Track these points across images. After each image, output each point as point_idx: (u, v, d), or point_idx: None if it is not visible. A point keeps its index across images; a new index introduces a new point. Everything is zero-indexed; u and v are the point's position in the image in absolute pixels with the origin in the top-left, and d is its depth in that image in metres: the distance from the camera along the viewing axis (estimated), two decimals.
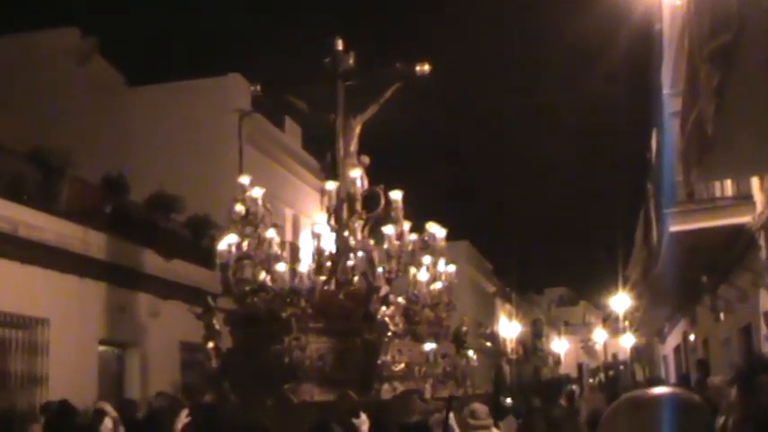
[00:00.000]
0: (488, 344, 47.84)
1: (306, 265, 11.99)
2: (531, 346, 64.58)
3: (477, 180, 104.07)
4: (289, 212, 25.68)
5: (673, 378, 28.22)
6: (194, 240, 19.48)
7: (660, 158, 17.54)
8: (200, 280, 19.12)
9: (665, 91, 15.96)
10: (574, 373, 67.63)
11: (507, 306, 57.03)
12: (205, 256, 19.95)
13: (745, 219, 13.21)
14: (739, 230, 13.43)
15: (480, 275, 49.11)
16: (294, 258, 23.57)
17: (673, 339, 29.85)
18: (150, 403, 13.92)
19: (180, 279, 18.13)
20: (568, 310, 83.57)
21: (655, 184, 20.13)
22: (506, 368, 53.26)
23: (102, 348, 16.07)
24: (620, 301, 46.09)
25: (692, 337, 23.35)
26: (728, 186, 14.56)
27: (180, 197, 18.57)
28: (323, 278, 12.27)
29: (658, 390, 2.26)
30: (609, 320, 76.17)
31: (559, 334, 77.67)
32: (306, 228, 26.54)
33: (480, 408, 8.35)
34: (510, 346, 55.72)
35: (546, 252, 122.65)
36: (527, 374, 59.23)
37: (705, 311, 18.75)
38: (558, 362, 74.53)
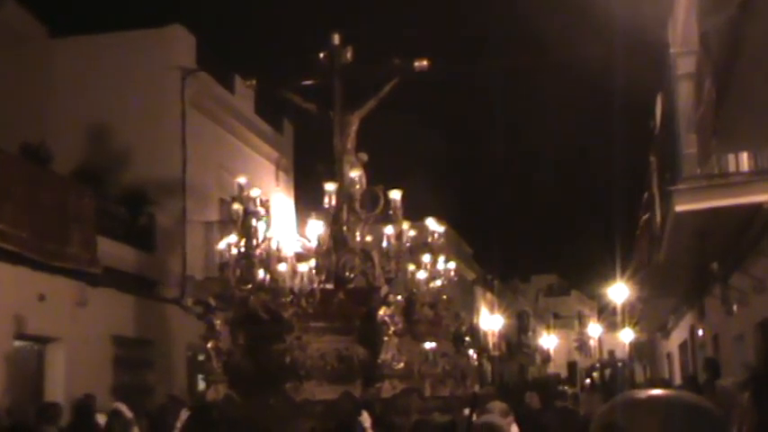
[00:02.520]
0: (467, 339, 47.98)
1: (306, 265, 13.19)
2: (516, 342, 64.88)
3: (454, 153, 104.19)
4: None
5: (678, 379, 28.44)
6: (129, 218, 19.32)
7: (666, 127, 17.56)
8: (137, 264, 19.01)
9: (673, 50, 15.95)
10: (564, 373, 68.17)
11: (488, 296, 57.20)
12: (142, 236, 19.84)
13: (762, 197, 13.25)
14: (756, 210, 13.48)
15: (458, 260, 49.22)
16: (247, 241, 23.66)
17: (678, 335, 30.06)
18: (75, 407, 13.86)
19: (112, 263, 17.98)
20: (558, 301, 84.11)
21: (659, 156, 20.18)
22: (487, 366, 53.50)
23: (18, 344, 15.90)
24: (618, 292, 46.34)
25: (700, 333, 23.49)
26: (744, 159, 14.59)
27: (112, 168, 18.41)
28: (322, 278, 13.54)
29: (660, 391, 2.19)
30: (605, 313, 76.75)
31: (548, 328, 78.16)
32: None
33: (499, 405, 9.38)
34: (491, 341, 55.94)
35: (533, 234, 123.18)
36: (511, 374, 59.55)
37: (715, 303, 18.83)
38: (546, 360, 75.06)
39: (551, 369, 71.14)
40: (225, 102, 24.86)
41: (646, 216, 26.35)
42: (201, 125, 22.87)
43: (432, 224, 15.08)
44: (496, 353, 55.95)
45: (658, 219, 20.25)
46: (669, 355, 34.70)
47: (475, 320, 53.55)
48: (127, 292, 18.72)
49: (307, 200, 22.21)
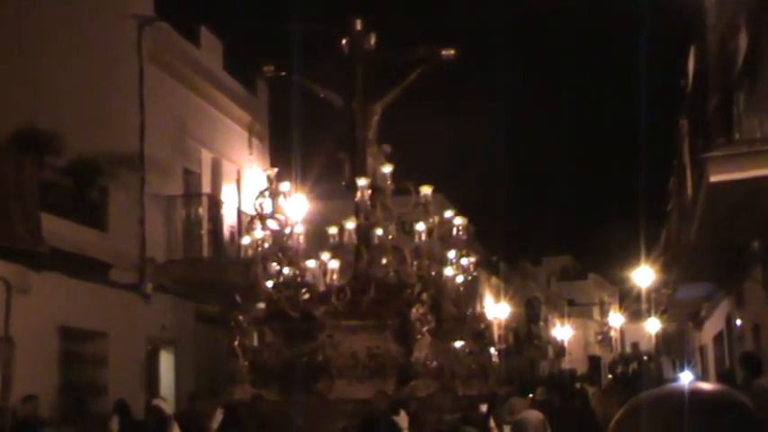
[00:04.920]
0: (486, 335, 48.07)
1: (336, 262, 14.52)
2: (526, 333, 64.97)
3: (454, 116, 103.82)
4: (206, 155, 25.53)
5: (712, 376, 28.50)
6: (78, 192, 19.19)
7: (699, 85, 17.48)
8: (88, 245, 18.89)
9: None
10: (581, 369, 68.31)
11: (494, 280, 57.24)
12: (93, 213, 19.72)
13: None
14: None
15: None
16: (215, 215, 23.63)
17: (712, 325, 30.09)
18: (15, 412, 13.85)
19: (59, 244, 17.84)
20: (574, 287, 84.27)
21: (690, 119, 20.10)
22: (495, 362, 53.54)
23: None
24: (643, 275, 46.41)
25: (738, 323, 23.50)
26: None
27: (58, 134, 18.26)
28: (352, 276, 14.94)
29: (692, 385, 2.10)
30: (627, 300, 76.96)
31: (562, 317, 78.29)
32: (230, 175, 26.41)
33: (518, 402, 10.96)
34: (497, 332, 55.99)
35: (545, 210, 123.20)
36: (520, 370, 59.66)
37: (756, 288, 18.82)
38: (560, 353, 75.17)
39: (566, 364, 71.18)
40: (189, 57, 24.71)
41: (675, 188, 26.31)
42: (162, 84, 22.71)
43: (457, 220, 16.54)
44: (503, 346, 55.97)
45: (690, 191, 20.20)
46: (702, 349, 34.75)
47: (478, 308, 53.58)
48: (76, 276, 18.58)
49: (284, 171, 22.14)
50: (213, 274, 22.72)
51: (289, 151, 32.14)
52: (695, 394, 2.04)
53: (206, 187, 25.14)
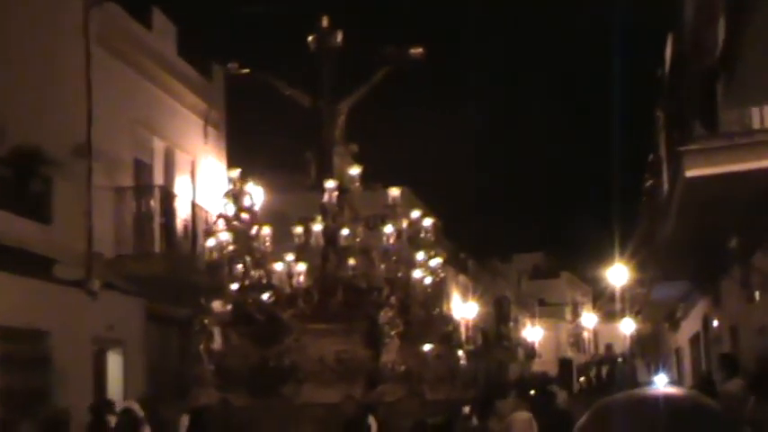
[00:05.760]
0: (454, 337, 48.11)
1: (303, 265, 15.10)
2: (495, 334, 65.09)
3: (421, 105, 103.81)
4: (159, 145, 25.36)
5: (689, 379, 28.61)
6: (19, 183, 19.02)
7: (676, 75, 17.47)
8: (29, 239, 18.71)
9: None
10: (553, 372, 68.47)
11: (461, 278, 57.27)
12: (36, 205, 19.54)
13: None
14: None
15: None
16: (168, 208, 23.45)
17: (689, 326, 30.23)
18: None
19: None
20: (545, 285, 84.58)
21: (667, 111, 20.12)
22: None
23: None
24: (617, 274, 46.60)
25: (715, 323, 23.60)
26: None
27: None
28: (319, 279, 15.46)
29: (659, 390, 2.08)
30: (601, 300, 77.29)
31: (533, 317, 78.53)
32: (184, 166, 26.24)
33: (504, 404, 11.26)
34: (465, 333, 56.05)
35: (515, 205, 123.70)
36: (488, 372, 59.76)
37: (734, 288, 18.88)
38: (531, 355, 75.41)
39: (537, 366, 71.39)
40: (140, 40, 24.52)
41: (650, 183, 26.38)
42: (111, 69, 22.51)
43: (426, 220, 17.03)
44: (471, 347, 56.05)
45: (666, 186, 20.22)
46: (678, 351, 34.98)
47: (445, 308, 53.59)
48: (16, 272, 18.39)
49: (241, 162, 21.99)
50: (165, 271, 22.55)
51: (246, 141, 32.15)
52: (666, 401, 2.01)
53: (158, 178, 24.95)
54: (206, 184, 27.21)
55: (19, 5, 21.60)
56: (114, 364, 22.64)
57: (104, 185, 21.90)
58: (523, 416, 16.33)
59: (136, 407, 16.75)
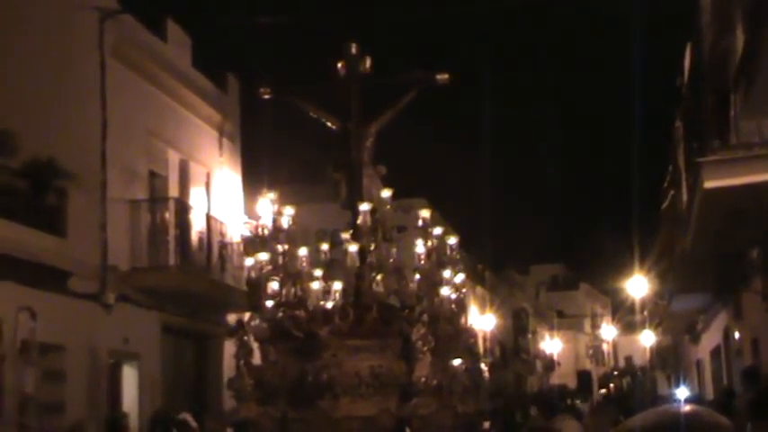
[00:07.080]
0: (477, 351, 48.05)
1: (339, 283, 15.18)
2: (512, 346, 65.01)
3: (439, 116, 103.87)
4: (174, 156, 25.39)
5: (710, 392, 28.52)
6: (34, 195, 19.11)
7: (694, 85, 17.47)
8: (44, 252, 18.79)
9: None
10: (572, 384, 68.30)
11: (479, 290, 57.23)
12: (50, 217, 19.63)
13: None
14: None
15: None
16: (182, 220, 23.52)
17: (709, 338, 30.16)
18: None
19: (12, 250, 17.75)
20: (564, 297, 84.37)
21: (686, 121, 20.13)
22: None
23: None
24: (637, 286, 46.53)
25: (736, 336, 23.55)
26: None
27: (11, 133, 18.18)
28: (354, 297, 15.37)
29: (676, 410, 2.10)
30: (620, 311, 77.04)
31: (552, 329, 78.36)
32: (199, 178, 26.31)
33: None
34: (483, 345, 56.02)
35: (533, 216, 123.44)
36: (506, 385, 59.68)
37: (755, 300, 18.85)
38: (550, 367, 75.23)
39: (556, 379, 71.21)
40: (155, 52, 24.59)
41: (670, 194, 26.38)
42: (125, 80, 22.58)
43: (451, 239, 17.48)
44: (488, 359, 56.03)
45: (685, 197, 20.23)
46: (699, 363, 34.84)
47: (462, 320, 53.45)
48: (31, 285, 18.47)
49: (257, 174, 22.02)
50: (180, 284, 22.61)
51: (262, 152, 32.18)
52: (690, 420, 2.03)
53: (173, 191, 24.99)
54: (221, 196, 27.28)
55: (33, 18, 21.69)
56: (129, 377, 22.67)
57: (119, 198, 21.97)
58: (572, 424, 17.04)
59: (190, 419, 17.54)
